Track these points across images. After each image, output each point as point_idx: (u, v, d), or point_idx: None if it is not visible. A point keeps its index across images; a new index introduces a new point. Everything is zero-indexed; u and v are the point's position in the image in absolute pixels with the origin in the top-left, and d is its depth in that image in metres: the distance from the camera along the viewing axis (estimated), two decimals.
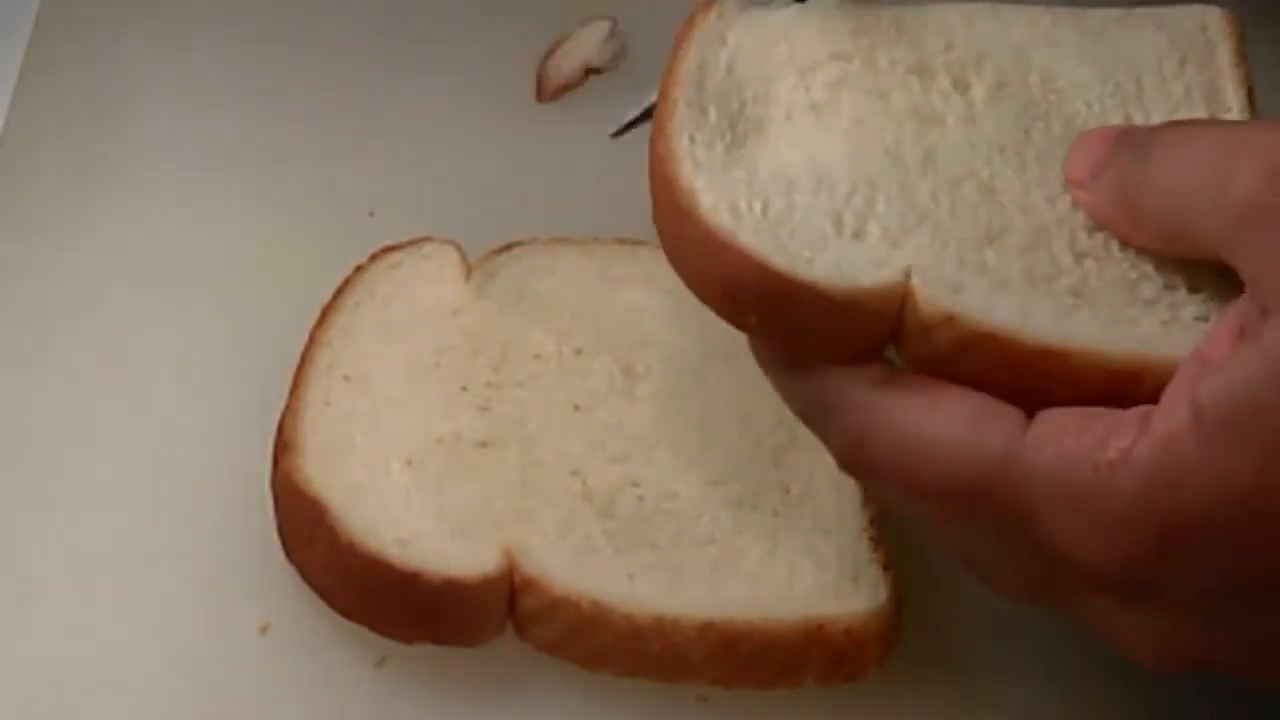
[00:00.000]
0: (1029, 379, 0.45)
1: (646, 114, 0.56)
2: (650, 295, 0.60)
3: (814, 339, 0.47)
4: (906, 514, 0.48)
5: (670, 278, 0.60)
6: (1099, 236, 0.48)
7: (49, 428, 0.60)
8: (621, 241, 0.62)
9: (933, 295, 0.46)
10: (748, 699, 0.53)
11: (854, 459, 0.47)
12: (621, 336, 0.59)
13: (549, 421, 0.57)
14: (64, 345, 0.62)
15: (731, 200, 0.48)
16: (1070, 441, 0.43)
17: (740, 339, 0.59)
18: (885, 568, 0.54)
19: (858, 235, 0.48)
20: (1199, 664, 0.46)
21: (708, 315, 0.60)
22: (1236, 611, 0.44)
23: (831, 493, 0.56)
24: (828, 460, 0.56)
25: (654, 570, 0.54)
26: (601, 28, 0.69)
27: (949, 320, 0.46)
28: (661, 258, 0.61)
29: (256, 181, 0.66)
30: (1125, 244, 0.47)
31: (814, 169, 0.49)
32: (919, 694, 0.55)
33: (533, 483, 0.55)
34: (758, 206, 0.48)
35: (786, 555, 0.54)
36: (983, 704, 0.55)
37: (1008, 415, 0.44)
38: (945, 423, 0.44)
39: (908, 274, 0.46)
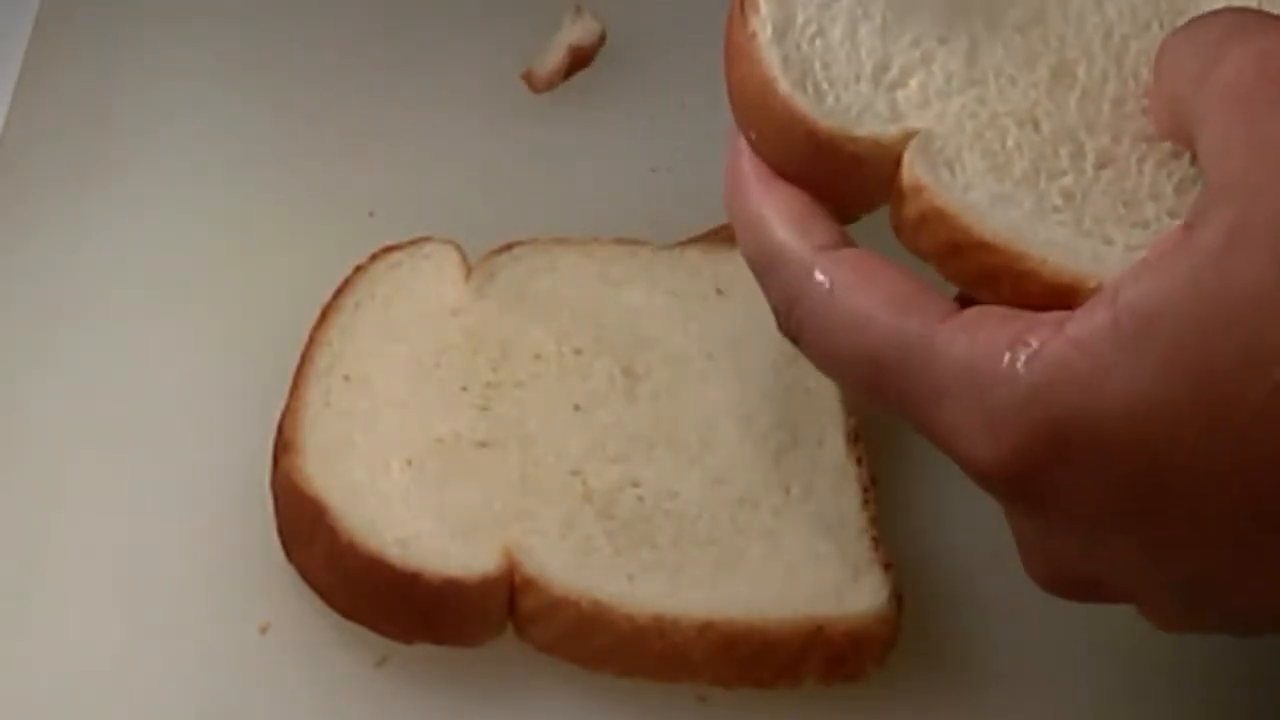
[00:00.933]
0: (973, 269, 0.45)
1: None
2: (650, 295, 0.60)
3: (812, 177, 0.47)
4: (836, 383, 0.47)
5: (670, 278, 0.61)
6: (1131, 148, 0.46)
7: (49, 428, 0.60)
8: (621, 241, 0.62)
9: (918, 162, 0.46)
10: (748, 699, 0.53)
11: (785, 318, 0.46)
12: (621, 336, 0.59)
13: (549, 421, 0.57)
14: (64, 345, 0.62)
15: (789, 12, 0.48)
16: (985, 334, 0.42)
17: (741, 340, 0.59)
18: (885, 568, 0.54)
19: (893, 86, 0.47)
20: (1087, 590, 0.44)
21: (708, 315, 0.60)
22: (1120, 532, 0.41)
23: (831, 493, 0.56)
24: (828, 460, 0.56)
25: (654, 570, 0.54)
26: (570, 12, 0.70)
27: (917, 191, 0.45)
28: (661, 257, 0.62)
29: (256, 181, 0.66)
30: (1155, 159, 0.46)
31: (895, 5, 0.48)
32: (919, 694, 0.55)
33: (533, 483, 0.55)
34: (812, 29, 0.48)
35: (786, 555, 0.54)
36: (982, 704, 0.55)
37: (936, 303, 0.43)
38: (873, 297, 0.44)
39: (908, 136, 0.46)
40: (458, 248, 0.62)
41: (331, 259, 0.61)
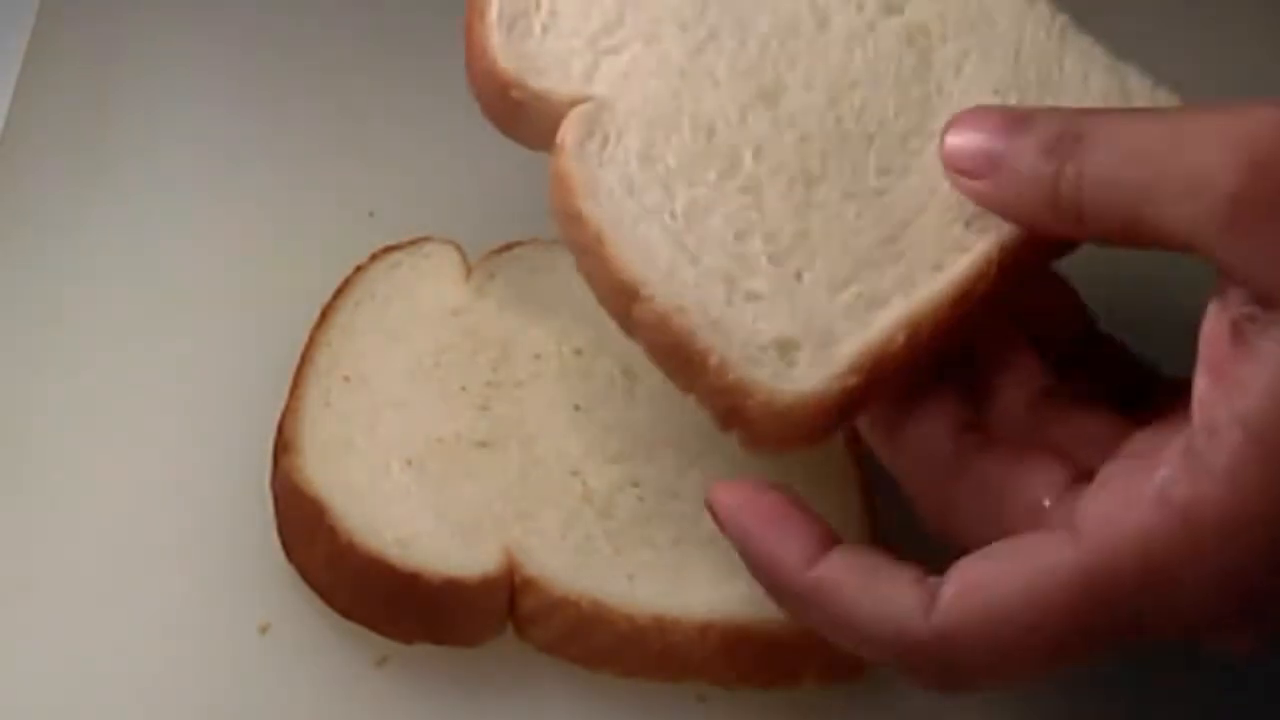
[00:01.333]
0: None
1: None
2: None
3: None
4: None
5: None
6: (784, 183, 0.48)
7: (49, 427, 0.60)
8: None
9: (573, 127, 0.48)
10: (748, 699, 0.53)
11: (948, 678, 0.46)
12: (621, 336, 0.59)
13: (549, 421, 0.57)
14: (64, 345, 0.62)
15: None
16: (1131, 524, 0.42)
17: None
18: None
19: (605, 51, 0.48)
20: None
21: None
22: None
23: (832, 493, 0.55)
24: (828, 460, 0.56)
25: (654, 570, 0.54)
26: None
27: (558, 150, 0.48)
28: None
29: (256, 181, 0.66)
30: (799, 200, 0.47)
31: None
32: (918, 694, 0.54)
33: (533, 483, 0.55)
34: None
35: None
36: (982, 704, 0.55)
37: (1054, 539, 0.43)
38: (1017, 586, 0.43)
39: (581, 100, 0.48)
40: (458, 248, 0.62)
41: (331, 259, 0.61)
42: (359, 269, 0.61)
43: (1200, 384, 0.43)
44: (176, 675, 0.55)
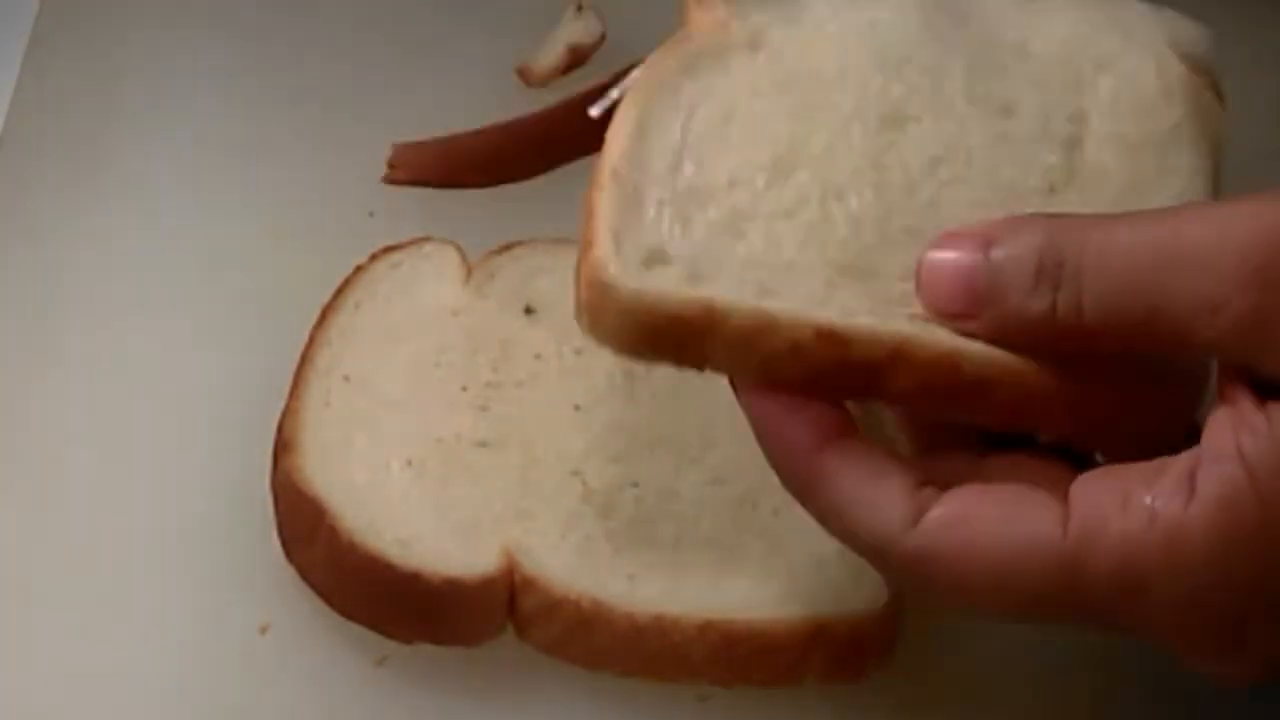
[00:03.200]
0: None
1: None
2: None
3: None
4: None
5: None
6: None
7: (49, 427, 0.60)
8: None
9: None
10: (748, 699, 0.53)
11: (916, 589, 0.46)
12: None
13: (549, 421, 0.57)
14: (64, 345, 0.62)
15: None
16: (1117, 526, 0.42)
17: None
18: None
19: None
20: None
21: None
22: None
23: None
24: None
25: (654, 570, 0.54)
26: (571, 9, 0.70)
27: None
28: None
29: (256, 181, 0.66)
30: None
31: None
32: (919, 694, 0.55)
33: (533, 483, 0.55)
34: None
35: (786, 555, 0.54)
36: (983, 704, 0.55)
37: (1044, 505, 0.43)
38: (998, 535, 0.43)
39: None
40: (458, 248, 0.62)
41: (331, 259, 0.61)
42: (359, 269, 0.61)
43: (1217, 415, 0.43)
44: (176, 675, 0.55)
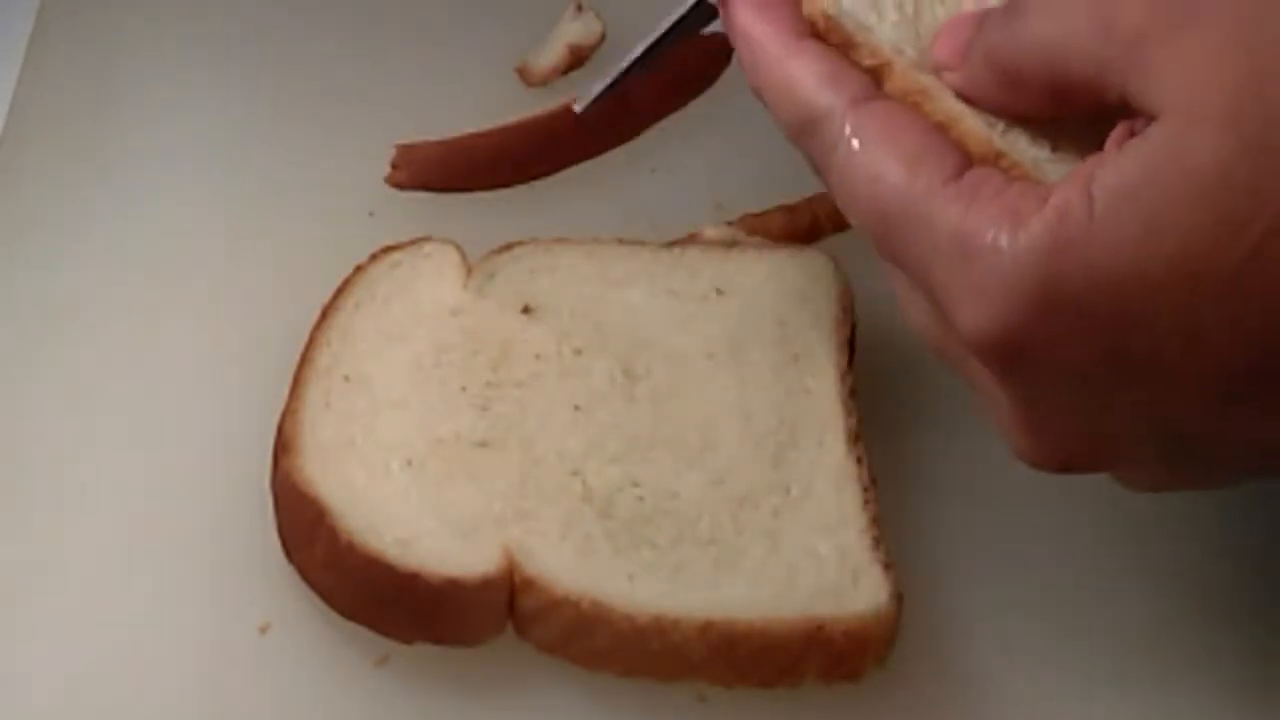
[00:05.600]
0: None
1: (612, 86, 0.57)
2: (650, 295, 0.60)
3: None
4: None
5: (670, 278, 0.61)
6: None
7: (49, 428, 0.60)
8: (621, 241, 0.62)
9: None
10: (748, 699, 0.53)
11: (822, 170, 0.48)
12: (621, 336, 0.59)
13: (549, 421, 0.57)
14: (64, 345, 0.62)
15: None
16: (978, 206, 0.45)
17: (741, 340, 0.59)
18: (885, 568, 0.54)
19: None
20: (1071, 458, 0.47)
21: (708, 315, 0.60)
22: (1105, 393, 0.45)
23: (831, 493, 0.56)
24: (828, 460, 0.56)
25: (654, 570, 0.54)
26: (571, 9, 0.70)
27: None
28: (661, 257, 0.62)
29: (256, 181, 0.66)
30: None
31: None
32: (919, 694, 0.55)
33: (533, 483, 0.55)
34: None
35: (786, 555, 0.54)
36: (982, 704, 0.55)
37: (944, 162, 0.46)
38: (892, 153, 0.46)
39: None
40: (458, 248, 0.62)
41: (331, 259, 0.61)
42: (359, 269, 0.61)
43: (1081, 163, 0.45)
44: (177, 675, 0.55)
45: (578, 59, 0.69)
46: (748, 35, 0.50)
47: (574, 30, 0.69)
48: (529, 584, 0.53)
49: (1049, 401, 0.46)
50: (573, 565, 0.54)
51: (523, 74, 0.69)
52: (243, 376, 0.60)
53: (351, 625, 0.54)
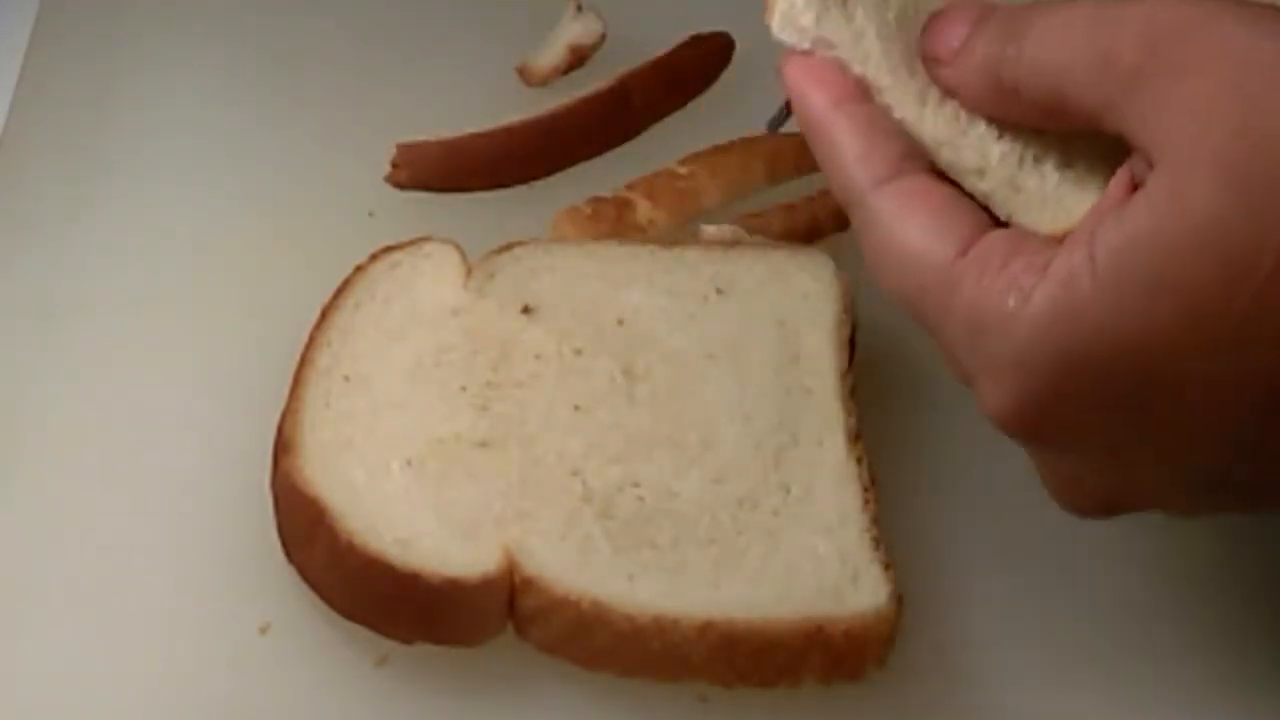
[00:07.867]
0: None
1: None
2: (650, 295, 0.60)
3: None
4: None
5: (670, 278, 0.61)
6: None
7: (48, 428, 0.60)
8: (621, 241, 0.62)
9: None
10: (748, 699, 0.53)
11: (862, 252, 0.49)
12: (621, 336, 0.59)
13: (549, 421, 0.57)
14: (64, 345, 0.62)
15: None
16: (990, 275, 0.45)
17: (741, 340, 0.59)
18: (885, 568, 0.54)
19: None
20: (1110, 506, 0.48)
21: (708, 315, 0.60)
22: (1133, 446, 0.45)
23: (831, 493, 0.56)
24: (828, 460, 0.56)
25: (654, 570, 0.54)
26: (571, 9, 0.70)
27: None
28: (661, 257, 0.62)
29: (256, 181, 0.66)
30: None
31: None
32: (919, 694, 0.55)
33: (533, 483, 0.55)
34: None
35: (786, 555, 0.54)
36: (983, 704, 0.55)
37: (957, 234, 0.46)
38: (908, 235, 0.47)
39: None
40: (458, 248, 0.61)
41: (331, 259, 0.61)
42: (359, 269, 0.61)
43: (1081, 221, 0.46)
44: (176, 675, 0.55)
45: (578, 59, 0.69)
46: (798, 91, 0.50)
47: (574, 30, 0.69)
48: (529, 584, 0.53)
49: (1076, 461, 0.47)
50: (573, 565, 0.53)
51: (523, 74, 0.69)
52: (243, 376, 0.60)
53: (351, 625, 0.54)
